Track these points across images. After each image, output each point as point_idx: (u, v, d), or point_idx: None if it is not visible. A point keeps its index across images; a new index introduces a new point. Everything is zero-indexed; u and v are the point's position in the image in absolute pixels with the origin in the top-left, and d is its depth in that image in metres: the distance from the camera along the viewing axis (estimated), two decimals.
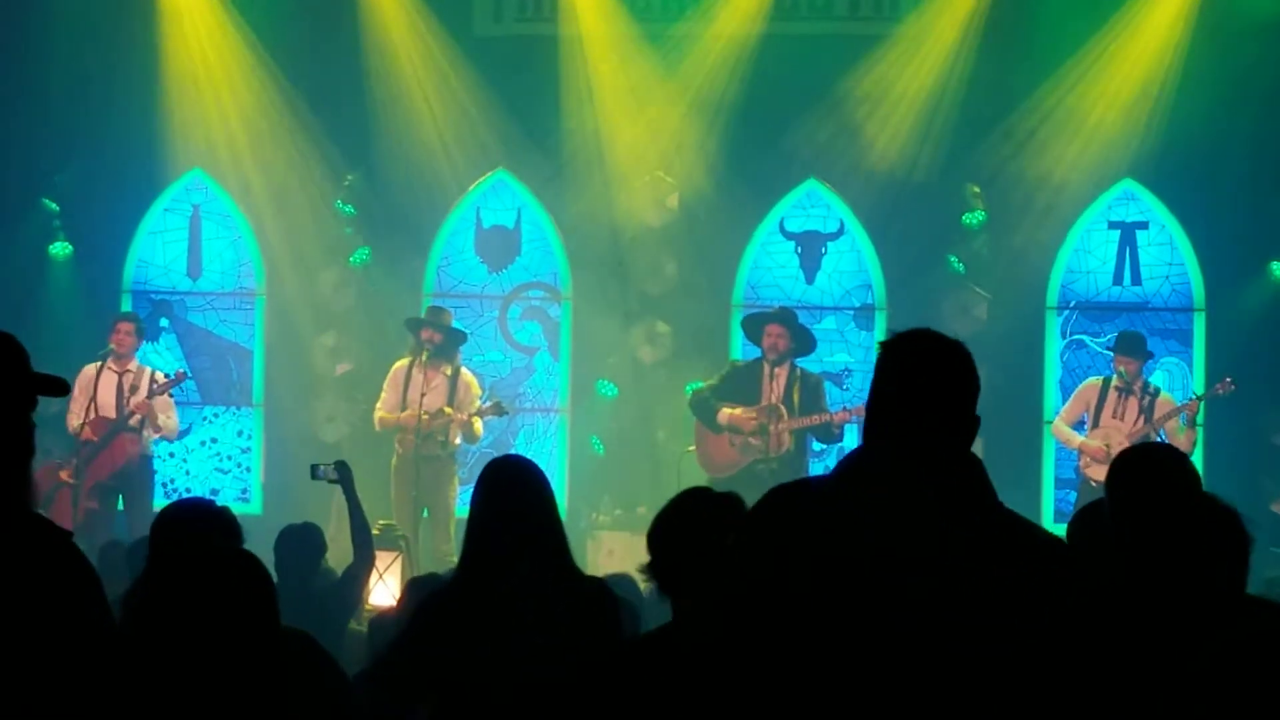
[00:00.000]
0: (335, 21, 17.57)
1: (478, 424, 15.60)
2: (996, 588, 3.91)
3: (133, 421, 15.48)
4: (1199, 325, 17.53)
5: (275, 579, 8.86)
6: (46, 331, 16.74)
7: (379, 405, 15.88)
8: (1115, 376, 15.34)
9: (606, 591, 6.33)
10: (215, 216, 18.36)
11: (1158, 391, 15.32)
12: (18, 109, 17.50)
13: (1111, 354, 15.94)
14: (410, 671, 6.17)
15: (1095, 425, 15.26)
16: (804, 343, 15.31)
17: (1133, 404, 15.20)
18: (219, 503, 7.20)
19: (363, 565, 9.94)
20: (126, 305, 17.94)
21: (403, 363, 15.87)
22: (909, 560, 3.91)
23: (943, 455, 4.07)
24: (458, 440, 15.70)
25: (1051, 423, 16.07)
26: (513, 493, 6.28)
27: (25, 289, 17.40)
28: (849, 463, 4.14)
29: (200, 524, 6.19)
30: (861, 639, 3.87)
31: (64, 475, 15.18)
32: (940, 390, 4.12)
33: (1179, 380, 17.24)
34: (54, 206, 17.61)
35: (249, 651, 4.94)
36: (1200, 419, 16.59)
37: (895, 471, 4.05)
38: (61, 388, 4.28)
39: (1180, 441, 14.92)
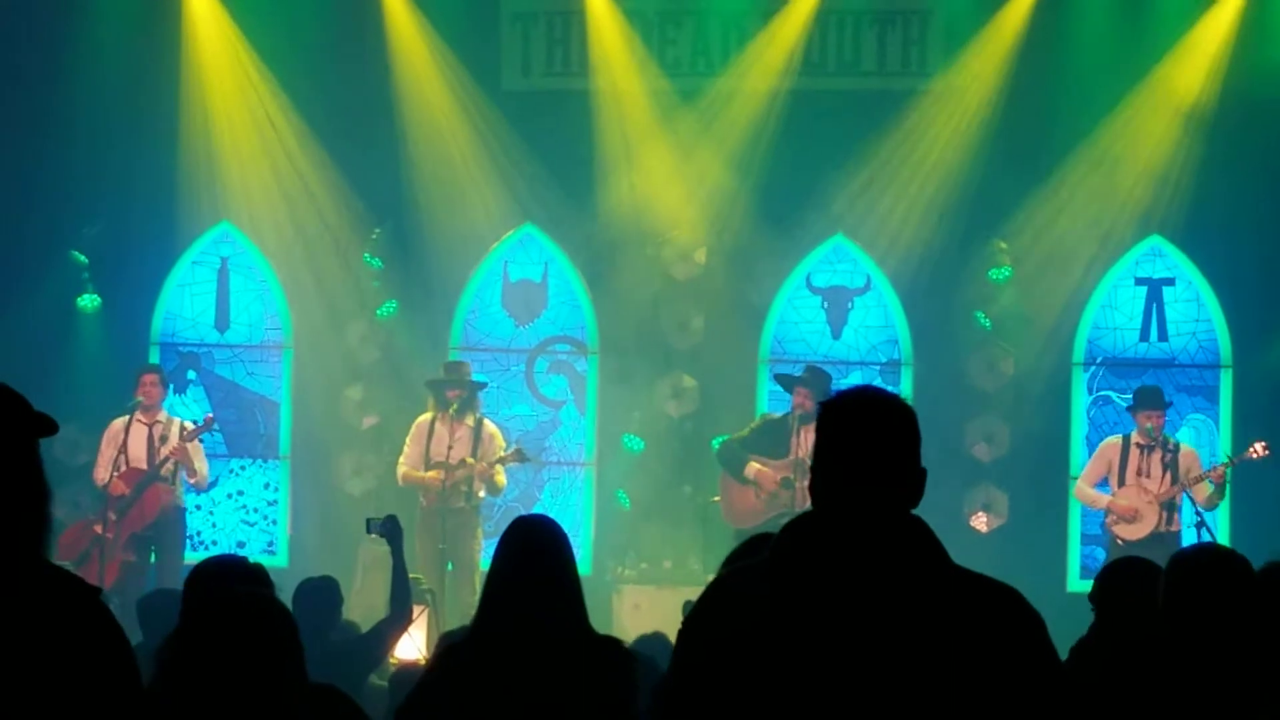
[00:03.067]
0: (364, 75, 17.63)
1: (501, 475, 15.68)
2: (947, 648, 3.87)
3: (164, 471, 15.56)
4: (1226, 382, 17.49)
5: None
6: (74, 384, 16.85)
7: (402, 460, 15.92)
8: (1136, 433, 15.32)
9: (624, 651, 6.32)
10: (243, 269, 18.40)
11: (1178, 446, 15.32)
12: (46, 161, 17.56)
13: (1128, 411, 15.94)
14: None
15: (1121, 484, 15.22)
16: (827, 388, 15.38)
17: (1156, 460, 15.18)
18: (248, 556, 7.22)
19: (396, 623, 9.90)
20: (154, 358, 17.96)
21: (425, 417, 15.94)
22: (851, 630, 3.88)
23: (884, 517, 4.03)
24: (481, 493, 15.73)
25: (1077, 479, 16.00)
26: (536, 553, 6.27)
27: (53, 341, 17.45)
28: (790, 532, 4.11)
29: (233, 580, 6.20)
30: (817, 715, 3.85)
31: (98, 529, 15.24)
32: (879, 448, 4.07)
33: (1205, 437, 17.20)
34: (83, 259, 17.66)
35: (276, 696, 4.97)
36: (1226, 476, 16.57)
37: (835, 539, 4.01)
38: (51, 427, 4.25)
39: (1206, 501, 14.95)
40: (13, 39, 17.56)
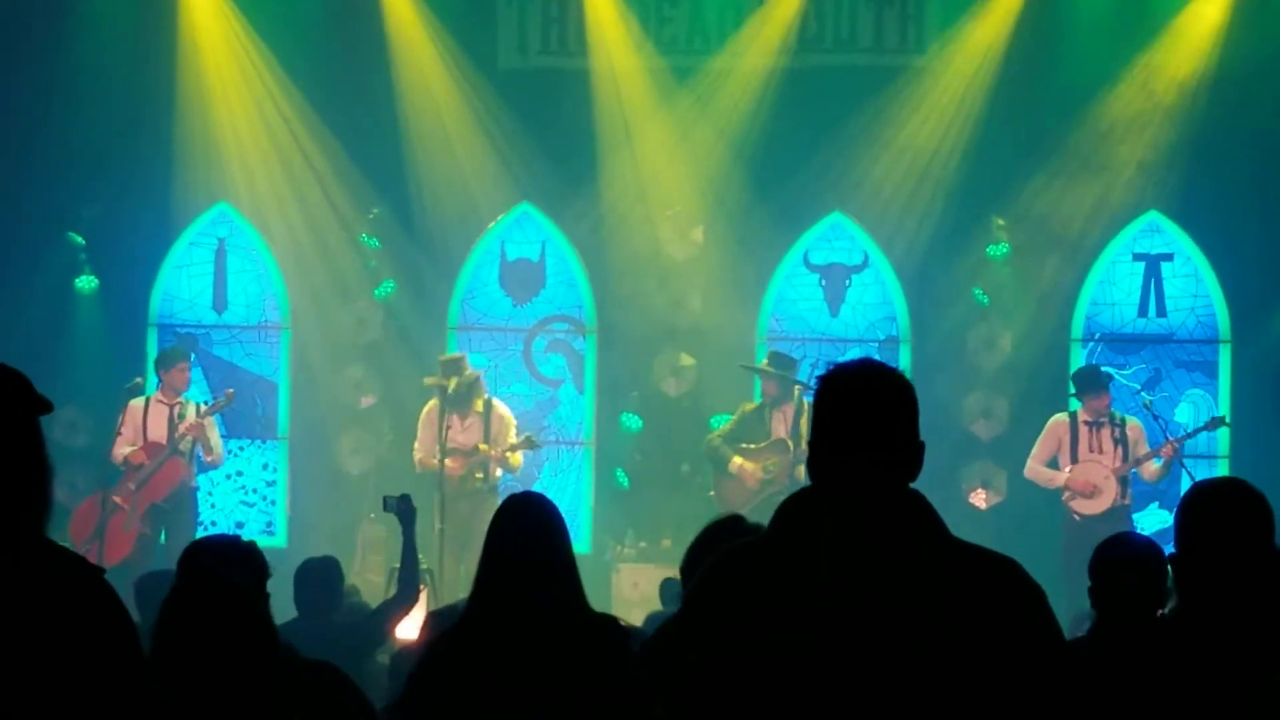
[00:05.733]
0: (360, 55, 17.60)
1: (516, 457, 15.76)
2: (948, 620, 3.86)
3: (182, 446, 15.95)
4: (1224, 357, 17.49)
5: (295, 613, 8.92)
6: (72, 365, 16.86)
7: (416, 446, 15.92)
8: (1082, 410, 15.51)
9: (620, 629, 6.31)
10: (240, 250, 18.39)
11: (1125, 421, 15.47)
12: (44, 143, 17.53)
13: (1071, 398, 15.99)
14: (423, 712, 6.15)
15: (1073, 461, 15.35)
16: (789, 372, 15.95)
17: (1106, 436, 15.35)
18: (246, 537, 7.21)
19: (401, 603, 9.91)
20: (152, 339, 17.99)
21: (433, 403, 15.95)
22: (849, 605, 3.87)
23: (881, 491, 4.02)
24: (499, 473, 15.80)
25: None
26: (529, 532, 6.25)
27: (51, 322, 17.43)
28: (788, 508, 4.10)
29: (226, 560, 6.20)
30: (817, 690, 3.85)
31: (118, 499, 15.65)
32: (876, 421, 4.06)
33: (1204, 412, 17.17)
34: (80, 240, 17.64)
35: (246, 677, 5.02)
36: (1224, 450, 16.60)
37: (832, 514, 4.00)
38: (46, 405, 4.24)
39: (1153, 475, 15.13)
40: (9, 21, 17.53)
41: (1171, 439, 15.41)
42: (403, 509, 10.21)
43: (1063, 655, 4.01)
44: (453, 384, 15.78)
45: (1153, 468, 15.33)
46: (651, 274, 17.61)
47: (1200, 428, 15.77)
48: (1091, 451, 15.36)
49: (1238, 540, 5.02)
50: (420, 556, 14.52)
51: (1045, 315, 17.38)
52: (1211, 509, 5.13)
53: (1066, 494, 15.40)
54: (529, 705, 5.97)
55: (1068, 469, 15.41)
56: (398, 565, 10.43)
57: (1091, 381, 15.58)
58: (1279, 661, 4.80)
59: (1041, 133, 17.11)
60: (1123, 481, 15.30)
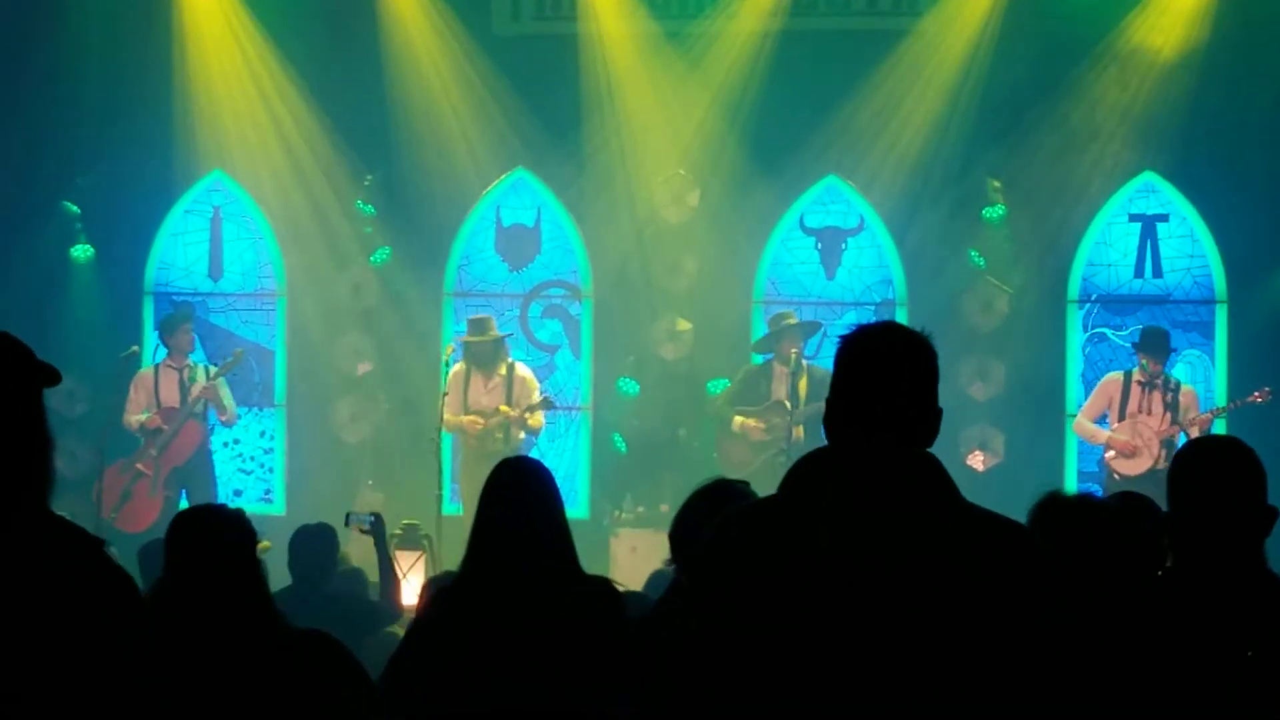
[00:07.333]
0: (354, 21, 17.57)
1: (535, 417, 16.08)
2: (952, 582, 3.84)
3: (197, 409, 16.39)
4: (1221, 317, 17.49)
5: (291, 578, 8.93)
6: (68, 334, 16.87)
7: (444, 407, 15.98)
8: (1138, 371, 15.40)
9: (610, 590, 6.30)
10: (236, 218, 18.38)
11: (1179, 385, 15.41)
12: (40, 112, 17.52)
13: (1132, 347, 16.00)
14: (413, 679, 6.16)
15: (1121, 420, 15.31)
16: (811, 334, 16.31)
17: (1157, 398, 15.27)
18: (241, 504, 7.23)
19: (382, 623, 9.87)
20: (148, 307, 18.01)
21: (460, 367, 16.17)
22: (857, 568, 3.86)
23: (889, 455, 3.99)
24: (521, 436, 15.95)
25: (1074, 417, 16.03)
26: (517, 495, 6.25)
27: (47, 291, 17.45)
28: (797, 470, 4.08)
29: (213, 528, 6.21)
30: (823, 651, 3.83)
31: (140, 467, 16.14)
32: (890, 386, 4.04)
33: (1200, 373, 17.21)
34: (75, 209, 17.64)
35: (245, 646, 5.04)
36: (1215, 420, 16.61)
37: (836, 478, 3.99)
38: (55, 377, 4.24)
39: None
40: None
41: (1222, 406, 15.46)
42: (374, 529, 10.23)
43: (1067, 623, 4.01)
44: (487, 336, 16.12)
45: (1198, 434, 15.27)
46: (647, 238, 17.61)
47: (1248, 398, 15.67)
48: (1140, 412, 15.31)
49: (1230, 497, 5.03)
50: (418, 522, 14.66)
51: (1041, 277, 17.38)
52: (1203, 467, 5.14)
53: (1108, 453, 15.41)
54: (519, 671, 5.98)
55: (1115, 426, 15.41)
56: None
57: (1155, 344, 15.46)
58: (1271, 619, 4.80)
59: (1036, 94, 17.08)
60: (1167, 445, 15.15)
